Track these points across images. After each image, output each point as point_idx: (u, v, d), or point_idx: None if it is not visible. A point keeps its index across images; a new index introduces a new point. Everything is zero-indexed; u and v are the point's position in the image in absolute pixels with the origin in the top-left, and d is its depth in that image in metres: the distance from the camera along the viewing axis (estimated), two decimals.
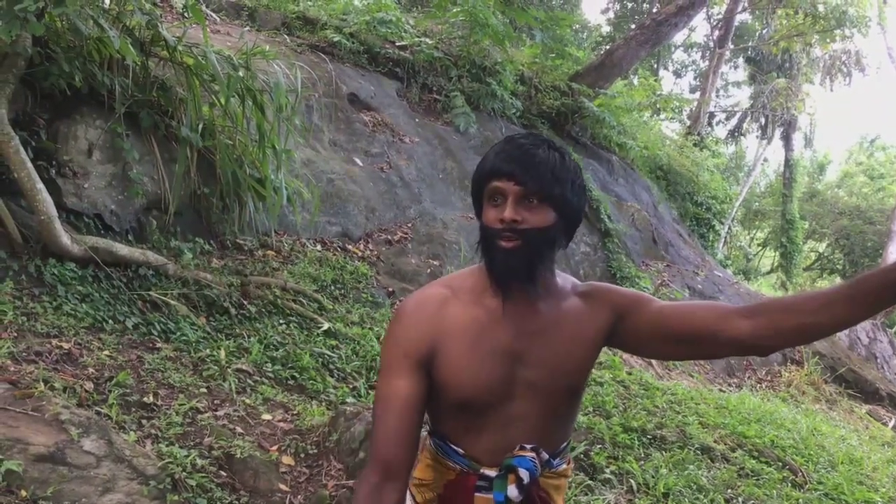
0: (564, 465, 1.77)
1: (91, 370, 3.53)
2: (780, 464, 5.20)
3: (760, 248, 31.84)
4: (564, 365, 1.64)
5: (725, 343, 1.54)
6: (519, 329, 1.61)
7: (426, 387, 1.59)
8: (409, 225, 7.55)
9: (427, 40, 9.90)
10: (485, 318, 1.61)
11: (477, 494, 1.66)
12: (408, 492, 1.79)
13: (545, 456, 1.65)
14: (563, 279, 1.71)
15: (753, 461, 5.11)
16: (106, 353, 3.74)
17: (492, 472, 1.65)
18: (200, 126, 5.03)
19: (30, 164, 4.00)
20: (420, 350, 1.58)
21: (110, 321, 4.10)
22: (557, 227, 1.57)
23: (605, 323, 1.67)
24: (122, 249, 4.41)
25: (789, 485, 4.92)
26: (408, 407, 1.55)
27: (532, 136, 1.59)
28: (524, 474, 1.59)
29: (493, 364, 1.60)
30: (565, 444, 1.76)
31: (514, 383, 1.62)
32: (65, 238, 4.10)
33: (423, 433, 1.69)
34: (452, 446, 1.69)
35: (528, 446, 1.63)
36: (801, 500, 4.67)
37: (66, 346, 3.62)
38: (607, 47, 16.02)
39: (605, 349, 1.69)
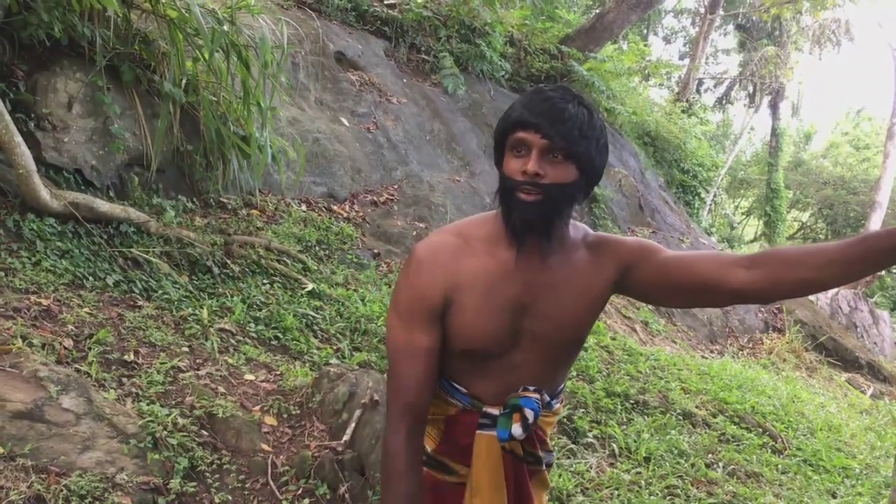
0: (558, 405, 1.84)
1: (70, 327, 3.47)
2: (761, 430, 5.26)
3: (744, 216, 31.98)
4: (569, 319, 1.68)
5: (726, 293, 1.57)
6: (529, 282, 1.64)
7: (441, 336, 1.65)
8: (396, 186, 7.48)
9: None
10: (497, 271, 1.63)
11: (479, 432, 1.71)
12: None
13: (547, 398, 1.71)
14: (576, 229, 1.72)
15: (734, 427, 5.16)
16: (86, 310, 3.68)
17: (494, 411, 1.71)
18: (184, 81, 4.91)
19: (8, 117, 3.89)
20: (437, 301, 1.62)
21: (90, 278, 4.03)
22: (578, 185, 1.57)
23: (612, 276, 1.70)
24: (103, 205, 4.33)
25: (769, 450, 4.97)
26: (431, 357, 1.63)
27: (562, 90, 1.56)
28: (529, 414, 1.65)
29: (501, 317, 1.64)
30: (562, 385, 1.84)
31: (521, 334, 1.66)
32: (44, 193, 4.02)
33: None
34: (455, 385, 1.73)
35: (532, 388, 1.68)
36: (780, 466, 4.73)
37: (45, 302, 3.56)
38: (598, 10, 15.85)
39: None
